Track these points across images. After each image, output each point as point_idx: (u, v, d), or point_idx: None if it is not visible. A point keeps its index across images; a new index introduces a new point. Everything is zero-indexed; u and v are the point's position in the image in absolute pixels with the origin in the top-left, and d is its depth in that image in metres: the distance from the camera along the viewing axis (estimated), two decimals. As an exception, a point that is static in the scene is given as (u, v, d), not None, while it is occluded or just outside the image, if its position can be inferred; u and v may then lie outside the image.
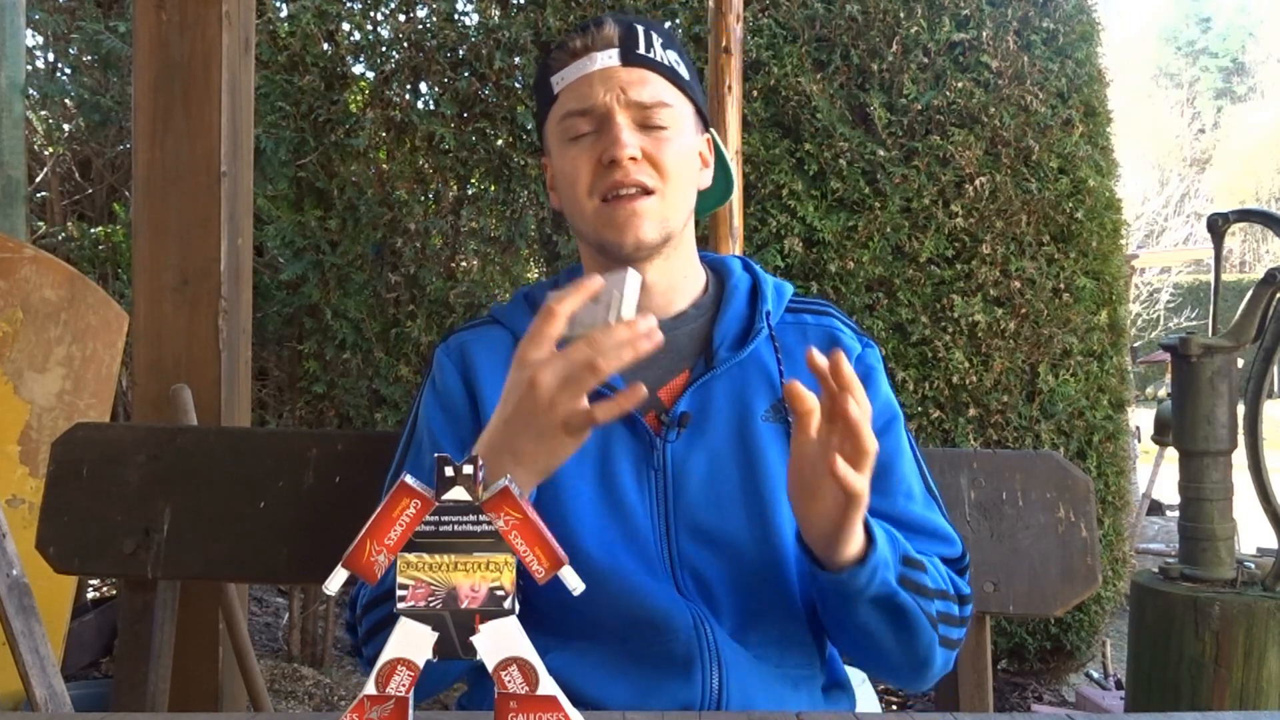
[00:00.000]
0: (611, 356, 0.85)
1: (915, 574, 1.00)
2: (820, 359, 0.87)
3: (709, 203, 1.23)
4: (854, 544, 0.93)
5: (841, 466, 0.85)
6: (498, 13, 3.50)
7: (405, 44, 3.54)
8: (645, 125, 1.07)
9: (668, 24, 3.41)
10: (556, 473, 1.02)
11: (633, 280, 0.89)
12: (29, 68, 3.83)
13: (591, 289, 0.88)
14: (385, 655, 0.70)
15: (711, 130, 1.19)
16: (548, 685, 0.70)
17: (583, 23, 1.10)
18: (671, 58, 1.11)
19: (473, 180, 3.64)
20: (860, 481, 0.87)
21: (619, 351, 0.86)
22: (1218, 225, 1.84)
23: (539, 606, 1.02)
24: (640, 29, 1.09)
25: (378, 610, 1.04)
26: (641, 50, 1.08)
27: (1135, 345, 9.04)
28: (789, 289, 1.18)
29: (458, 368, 1.13)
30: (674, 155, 1.08)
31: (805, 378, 1.06)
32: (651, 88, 1.07)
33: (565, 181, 1.09)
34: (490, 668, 0.70)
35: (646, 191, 1.06)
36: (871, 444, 0.87)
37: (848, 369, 0.86)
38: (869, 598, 0.96)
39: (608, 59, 1.07)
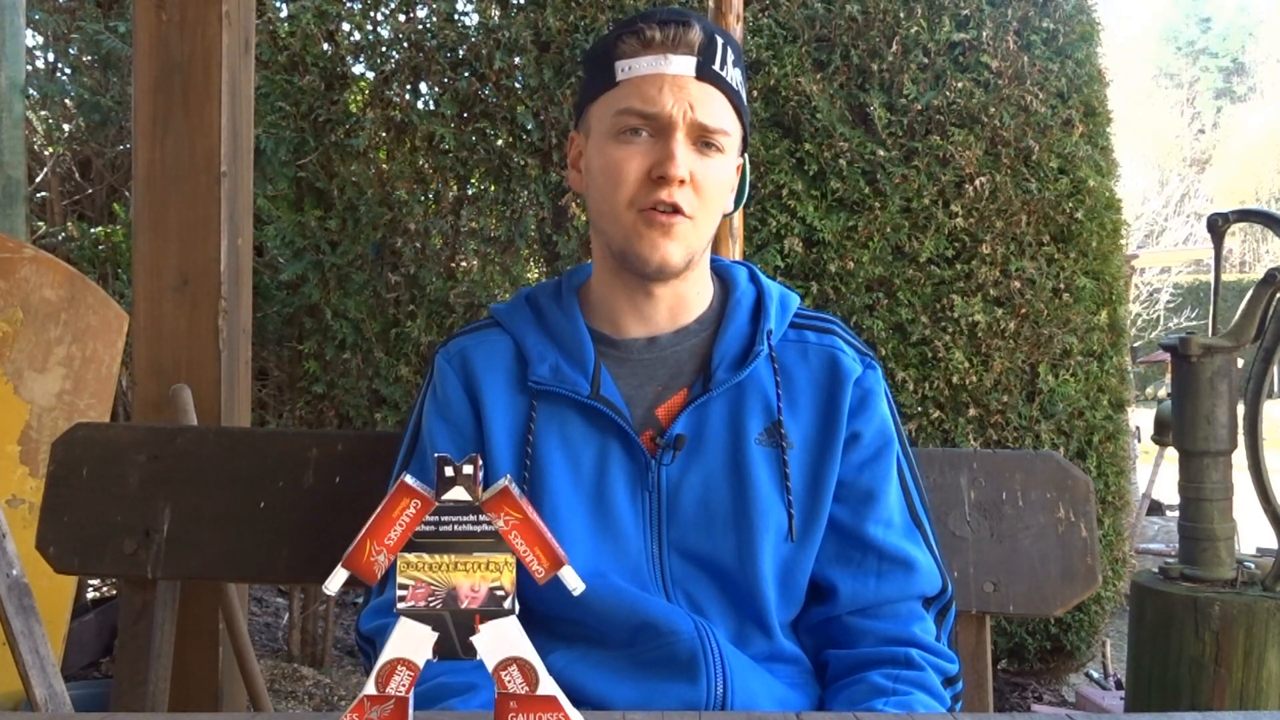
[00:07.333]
0: None
1: None
2: None
3: None
4: None
5: None
6: (498, 13, 3.50)
7: (405, 44, 3.53)
8: (700, 147, 1.05)
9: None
10: (551, 490, 1.04)
11: None
12: (29, 68, 3.82)
13: None
14: (385, 655, 0.70)
15: (746, 155, 1.17)
16: (548, 685, 0.70)
17: (664, 11, 1.06)
18: (737, 78, 1.08)
19: (473, 180, 3.64)
20: None
21: None
22: (1218, 225, 1.84)
23: (539, 613, 1.02)
24: (720, 42, 1.06)
25: None
26: (717, 66, 1.05)
27: (1135, 345, 9.03)
28: (795, 301, 1.17)
29: (459, 377, 1.12)
30: (716, 183, 1.07)
31: (803, 398, 1.09)
32: (717, 110, 1.05)
33: (605, 180, 1.07)
34: (490, 668, 0.70)
35: (682, 214, 1.04)
36: None
37: None
38: None
39: (684, 66, 1.04)
